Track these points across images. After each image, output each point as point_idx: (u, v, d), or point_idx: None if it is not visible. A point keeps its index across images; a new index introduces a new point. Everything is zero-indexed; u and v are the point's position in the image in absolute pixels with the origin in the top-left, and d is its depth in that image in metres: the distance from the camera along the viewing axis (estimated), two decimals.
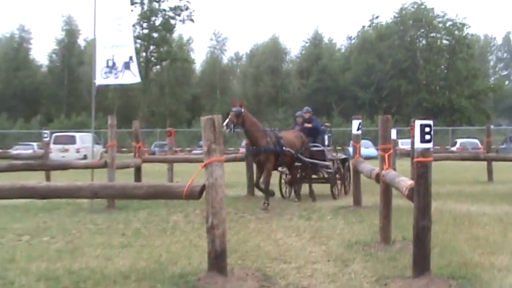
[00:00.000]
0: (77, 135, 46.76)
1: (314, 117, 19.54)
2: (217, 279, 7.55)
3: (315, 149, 18.07)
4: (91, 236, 11.37)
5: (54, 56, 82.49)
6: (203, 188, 7.66)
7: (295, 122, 19.96)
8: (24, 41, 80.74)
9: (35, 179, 11.78)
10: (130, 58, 17.52)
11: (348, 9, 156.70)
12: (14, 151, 38.87)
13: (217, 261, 7.66)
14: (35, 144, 46.68)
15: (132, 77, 17.72)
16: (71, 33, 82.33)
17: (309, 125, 18.60)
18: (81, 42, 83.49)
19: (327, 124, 19.82)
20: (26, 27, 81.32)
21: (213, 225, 7.60)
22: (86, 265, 8.82)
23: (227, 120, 14.95)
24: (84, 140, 43.46)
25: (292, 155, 16.51)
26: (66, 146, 44.41)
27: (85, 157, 39.38)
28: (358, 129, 15.51)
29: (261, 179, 16.06)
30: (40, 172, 19.56)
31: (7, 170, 17.39)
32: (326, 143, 18.89)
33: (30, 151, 38.93)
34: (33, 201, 13.79)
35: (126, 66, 17.50)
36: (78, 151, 44.01)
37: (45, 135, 26.50)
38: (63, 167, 19.26)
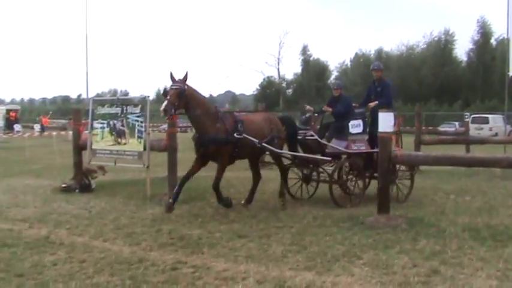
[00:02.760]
0: (490, 116, 45.41)
1: (344, 95, 11.84)
2: None
3: (309, 138, 10.91)
4: (503, 198, 10.87)
5: (471, 53, 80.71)
6: None
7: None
8: (448, 42, 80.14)
9: (455, 151, 11.61)
10: None
11: None
12: (441, 128, 39.03)
13: None
14: (456, 123, 46.49)
15: None
16: (485, 34, 79.57)
17: (329, 110, 11.32)
18: (492, 41, 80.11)
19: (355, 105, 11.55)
20: (450, 32, 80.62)
21: None
22: (500, 221, 8.49)
23: (165, 103, 8.83)
24: (495, 120, 42.10)
25: (254, 144, 9.76)
26: (481, 125, 43.39)
27: (496, 134, 37.96)
28: None
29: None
30: (459, 145, 19.25)
31: (436, 143, 17.61)
32: (361, 129, 10.86)
33: (452, 129, 38.67)
34: (456, 168, 13.65)
35: None
36: (490, 129, 42.72)
37: (466, 116, 27.19)
38: (480, 142, 18.96)
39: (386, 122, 8.46)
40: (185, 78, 9.14)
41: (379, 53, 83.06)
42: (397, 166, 10.67)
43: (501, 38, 64.03)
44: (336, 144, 10.77)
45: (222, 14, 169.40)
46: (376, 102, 10.93)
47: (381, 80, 11.50)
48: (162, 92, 9.10)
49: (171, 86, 9.00)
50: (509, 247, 6.95)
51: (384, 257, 6.54)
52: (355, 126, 10.80)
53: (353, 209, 9.69)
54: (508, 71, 17.00)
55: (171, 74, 9.04)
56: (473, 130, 40.85)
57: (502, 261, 6.36)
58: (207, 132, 9.34)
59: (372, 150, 10.78)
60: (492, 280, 5.72)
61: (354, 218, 8.71)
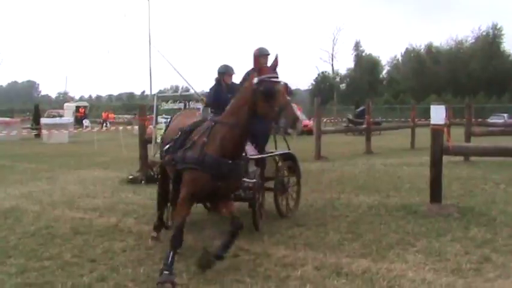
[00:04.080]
0: None
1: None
2: None
3: None
4: None
5: None
6: None
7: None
8: (496, 36, 78.05)
9: (504, 142, 11.26)
10: None
11: None
12: (490, 120, 38.14)
13: None
14: (505, 115, 45.65)
15: None
16: None
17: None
18: None
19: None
20: (497, 26, 78.45)
21: None
22: None
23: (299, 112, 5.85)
24: None
25: None
26: None
27: None
28: None
29: None
30: (508, 137, 18.70)
31: (485, 135, 17.17)
32: None
33: (501, 120, 37.80)
34: (505, 159, 13.26)
35: None
36: None
37: None
38: None
39: (438, 114, 8.34)
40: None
41: (429, 47, 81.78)
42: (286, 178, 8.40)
43: None
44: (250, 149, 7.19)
45: (276, 10, 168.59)
46: None
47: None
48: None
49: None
50: None
51: (436, 245, 6.45)
52: None
53: (406, 198, 9.55)
54: None
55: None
56: None
57: None
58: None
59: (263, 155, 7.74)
60: None
61: (407, 207, 8.61)
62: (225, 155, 5.41)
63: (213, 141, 5.47)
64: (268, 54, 7.79)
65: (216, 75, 8.36)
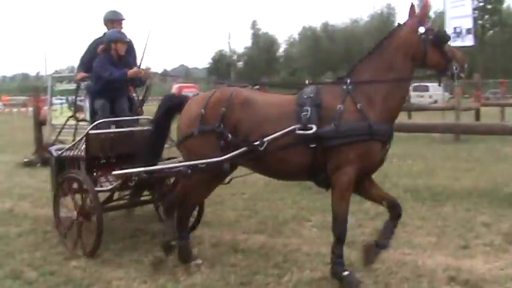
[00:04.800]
0: (430, 85, 46.09)
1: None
2: None
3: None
4: (442, 161, 11.07)
5: None
6: None
7: None
8: (390, 15, 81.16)
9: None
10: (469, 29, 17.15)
11: None
12: None
13: None
14: None
15: (471, 40, 17.24)
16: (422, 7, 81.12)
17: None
18: (431, 14, 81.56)
19: None
20: (391, 5, 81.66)
21: None
22: (439, 183, 8.67)
23: None
24: (435, 88, 42.74)
25: None
26: (422, 93, 44.17)
27: (435, 102, 38.65)
28: None
29: None
30: (402, 113, 19.57)
31: None
32: None
33: None
34: (398, 134, 13.72)
35: (468, 31, 17.09)
36: (430, 97, 43.52)
37: None
38: (420, 109, 19.31)
39: None
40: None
41: (325, 26, 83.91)
42: None
43: (439, 11, 65.22)
44: None
45: None
46: None
47: None
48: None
49: None
50: (447, 206, 7.16)
51: (330, 219, 6.56)
52: None
53: None
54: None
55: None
56: (415, 98, 41.62)
57: (440, 219, 6.56)
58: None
59: None
60: (431, 237, 5.89)
61: (303, 183, 8.74)
62: (388, 117, 4.74)
63: (370, 104, 4.67)
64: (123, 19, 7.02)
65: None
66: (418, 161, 11.12)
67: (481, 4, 76.94)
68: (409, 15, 4.90)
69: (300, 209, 7.17)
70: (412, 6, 4.93)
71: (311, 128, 4.57)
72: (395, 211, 4.85)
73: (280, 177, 5.56)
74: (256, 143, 4.70)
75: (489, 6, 76.46)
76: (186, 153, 5.19)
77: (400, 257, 5.27)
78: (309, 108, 4.66)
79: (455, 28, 17.37)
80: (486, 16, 77.42)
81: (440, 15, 18.24)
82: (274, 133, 4.66)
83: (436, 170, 9.97)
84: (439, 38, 4.73)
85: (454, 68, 4.69)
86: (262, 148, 4.68)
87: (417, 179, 8.99)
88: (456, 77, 4.75)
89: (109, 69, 6.30)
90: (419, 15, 4.88)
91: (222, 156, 4.83)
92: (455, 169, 9.99)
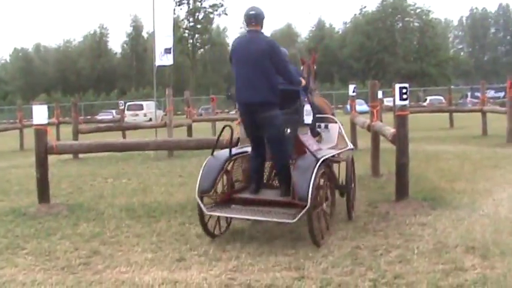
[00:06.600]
0: (144, 103, 47.36)
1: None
2: None
3: None
4: (157, 177, 11.47)
5: (125, 45, 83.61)
6: (238, 140, 7.68)
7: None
8: (103, 35, 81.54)
9: (110, 138, 11.92)
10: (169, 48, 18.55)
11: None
12: (99, 117, 39.29)
13: None
14: (113, 111, 47.25)
15: (169, 60, 18.72)
16: (137, 28, 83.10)
17: None
18: (144, 34, 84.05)
19: None
20: (104, 26, 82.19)
21: None
22: (154, 199, 8.96)
23: None
24: (149, 106, 44.02)
25: None
26: (136, 112, 45.00)
27: (150, 120, 39.72)
28: (353, 92, 15.49)
29: None
30: (118, 132, 19.78)
31: (93, 132, 17.73)
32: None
33: (110, 116, 39.26)
34: (113, 154, 13.98)
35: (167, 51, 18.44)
36: (145, 115, 44.56)
37: (121, 104, 27.38)
38: (135, 127, 19.85)
39: (40, 114, 8.43)
40: None
41: (38, 47, 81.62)
42: None
43: (152, 31, 67.50)
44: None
45: None
46: None
47: None
48: None
49: None
50: (162, 221, 7.38)
51: (46, 245, 6.40)
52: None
53: (15, 201, 9.26)
54: (155, 61, 18.11)
55: None
56: (130, 117, 42.26)
57: (155, 234, 6.74)
58: None
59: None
60: (147, 253, 6.01)
61: (17, 210, 8.35)
62: None
63: None
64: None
65: None
66: (133, 179, 11.35)
67: (192, 24, 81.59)
68: None
69: (15, 237, 6.79)
70: None
71: None
72: None
73: None
74: None
75: (199, 26, 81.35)
76: None
77: (118, 275, 5.34)
78: None
79: (164, 49, 18.31)
80: (197, 35, 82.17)
81: (153, 35, 18.99)
82: None
83: (151, 187, 10.26)
84: None
85: None
86: None
87: (132, 197, 9.15)
88: None
89: None
90: None
91: None
92: (169, 185, 10.39)
